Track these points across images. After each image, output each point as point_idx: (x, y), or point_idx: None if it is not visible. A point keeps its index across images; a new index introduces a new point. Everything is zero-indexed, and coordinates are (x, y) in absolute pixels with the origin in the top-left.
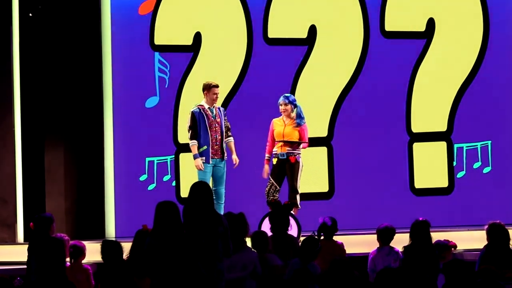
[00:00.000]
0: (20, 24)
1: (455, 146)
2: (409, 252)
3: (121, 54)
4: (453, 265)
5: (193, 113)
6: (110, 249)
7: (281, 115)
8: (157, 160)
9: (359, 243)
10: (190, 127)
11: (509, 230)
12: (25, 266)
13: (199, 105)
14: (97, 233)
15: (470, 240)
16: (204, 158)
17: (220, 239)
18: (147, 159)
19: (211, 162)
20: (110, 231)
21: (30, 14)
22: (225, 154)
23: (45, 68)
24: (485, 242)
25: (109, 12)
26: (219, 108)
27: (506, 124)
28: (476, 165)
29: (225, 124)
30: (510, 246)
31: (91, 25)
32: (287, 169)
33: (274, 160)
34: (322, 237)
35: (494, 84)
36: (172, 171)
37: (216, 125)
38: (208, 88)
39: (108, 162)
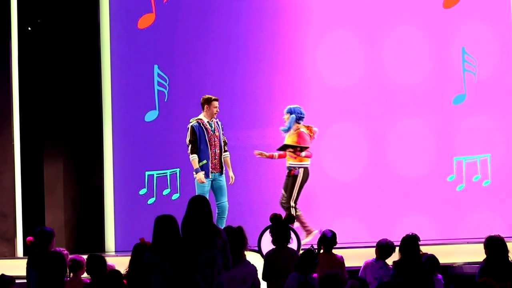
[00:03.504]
0: (19, 38)
1: (454, 159)
2: (399, 267)
3: (120, 68)
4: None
5: (192, 127)
6: (95, 263)
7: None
8: (157, 174)
9: (359, 257)
10: (190, 141)
11: (509, 243)
12: (24, 281)
13: (198, 119)
14: (97, 247)
15: (470, 253)
16: (204, 172)
17: (219, 252)
18: (147, 173)
19: (210, 177)
20: (110, 245)
21: (29, 28)
22: (224, 168)
23: (44, 82)
24: (485, 255)
25: (108, 26)
26: (217, 122)
27: (505, 137)
28: (476, 178)
29: (222, 138)
30: (510, 259)
31: (90, 39)
32: (287, 181)
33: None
34: (322, 250)
35: (492, 97)
36: (173, 185)
37: (215, 139)
38: (209, 102)
39: (107, 176)
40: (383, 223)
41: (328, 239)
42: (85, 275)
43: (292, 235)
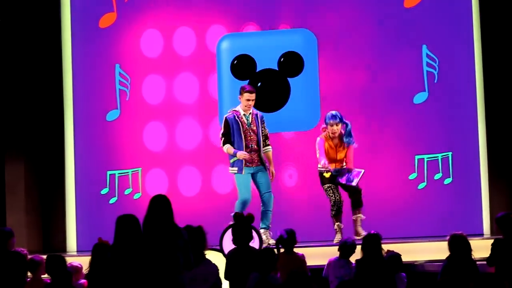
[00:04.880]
0: None
1: (416, 157)
2: (361, 265)
3: (81, 67)
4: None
5: (226, 120)
6: (54, 264)
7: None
8: (118, 174)
9: (322, 255)
10: (223, 134)
11: (471, 241)
12: None
13: (234, 110)
14: (59, 247)
15: (431, 251)
16: (236, 168)
17: (180, 252)
18: (108, 172)
19: (244, 172)
20: (71, 245)
21: None
22: (266, 164)
23: (5, 81)
24: (446, 253)
25: (69, 25)
26: (256, 115)
27: (466, 135)
28: (437, 176)
29: (263, 132)
30: (472, 257)
31: (52, 38)
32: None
33: (327, 174)
34: (282, 249)
35: (453, 95)
36: (134, 184)
37: (251, 133)
38: (242, 93)
39: (69, 175)
40: (345, 222)
41: (285, 240)
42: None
43: (254, 234)
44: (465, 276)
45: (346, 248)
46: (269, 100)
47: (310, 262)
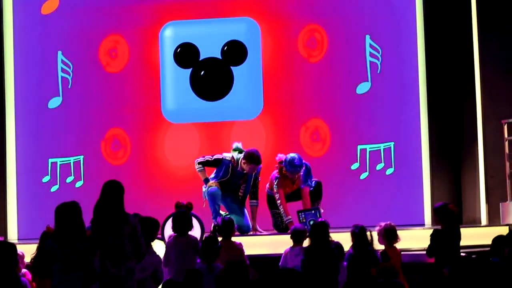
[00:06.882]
0: None
1: (358, 147)
2: (309, 252)
3: (23, 54)
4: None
5: (222, 161)
6: (5, 251)
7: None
8: (60, 162)
9: (267, 244)
10: (208, 162)
11: (412, 231)
12: None
13: (233, 159)
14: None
15: (373, 240)
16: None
17: (126, 238)
18: (50, 160)
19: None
20: (13, 233)
21: None
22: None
23: None
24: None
25: (11, 11)
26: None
27: (409, 125)
28: (379, 166)
29: (253, 183)
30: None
31: None
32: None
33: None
34: (219, 238)
35: (396, 86)
36: (76, 172)
37: (235, 185)
38: (249, 161)
39: (10, 163)
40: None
41: (221, 228)
42: None
43: (196, 222)
44: (367, 263)
45: (297, 233)
46: (212, 88)
47: None
